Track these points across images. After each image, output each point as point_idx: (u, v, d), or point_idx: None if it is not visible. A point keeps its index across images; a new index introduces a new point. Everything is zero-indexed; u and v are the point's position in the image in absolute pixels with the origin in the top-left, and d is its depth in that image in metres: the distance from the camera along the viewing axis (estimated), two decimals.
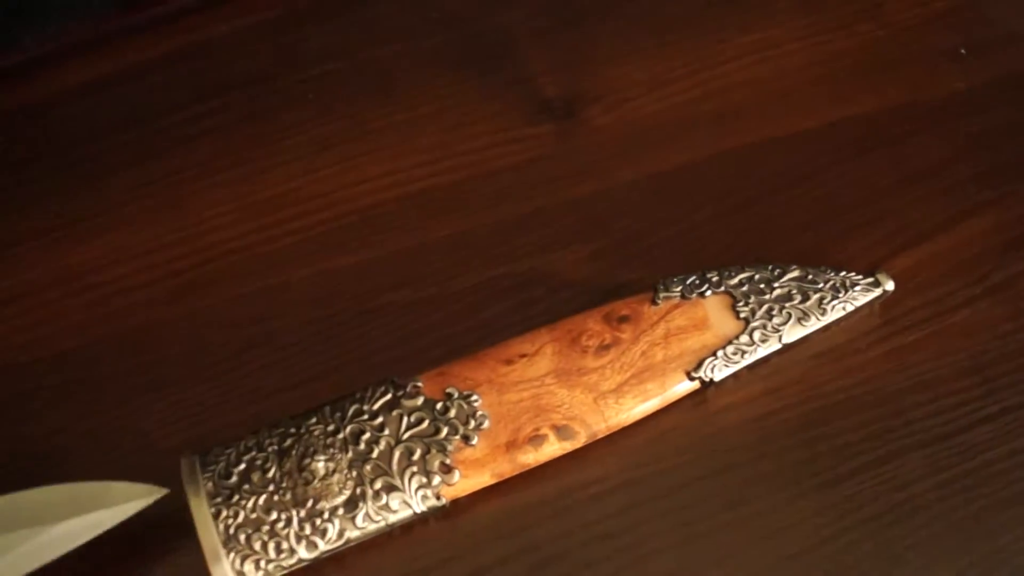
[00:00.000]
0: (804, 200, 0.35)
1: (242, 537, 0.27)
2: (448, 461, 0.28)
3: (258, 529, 0.27)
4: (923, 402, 0.31)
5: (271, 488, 0.28)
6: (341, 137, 0.37)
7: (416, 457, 0.28)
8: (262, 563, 0.27)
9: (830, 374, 0.31)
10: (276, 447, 0.28)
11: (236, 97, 0.39)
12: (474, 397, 0.29)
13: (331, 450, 0.28)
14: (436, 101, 0.38)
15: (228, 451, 0.28)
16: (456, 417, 0.29)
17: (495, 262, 0.34)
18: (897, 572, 0.28)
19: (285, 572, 0.27)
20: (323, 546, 0.27)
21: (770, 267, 0.31)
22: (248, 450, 0.28)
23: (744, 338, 0.30)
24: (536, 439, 0.29)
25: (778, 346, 0.30)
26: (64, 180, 0.37)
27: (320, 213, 0.36)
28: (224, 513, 0.27)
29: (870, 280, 0.31)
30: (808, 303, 0.31)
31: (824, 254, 0.33)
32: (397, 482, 0.28)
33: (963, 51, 0.38)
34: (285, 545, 0.27)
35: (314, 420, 0.29)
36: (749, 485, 0.30)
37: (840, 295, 0.31)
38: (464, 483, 0.28)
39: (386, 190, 0.36)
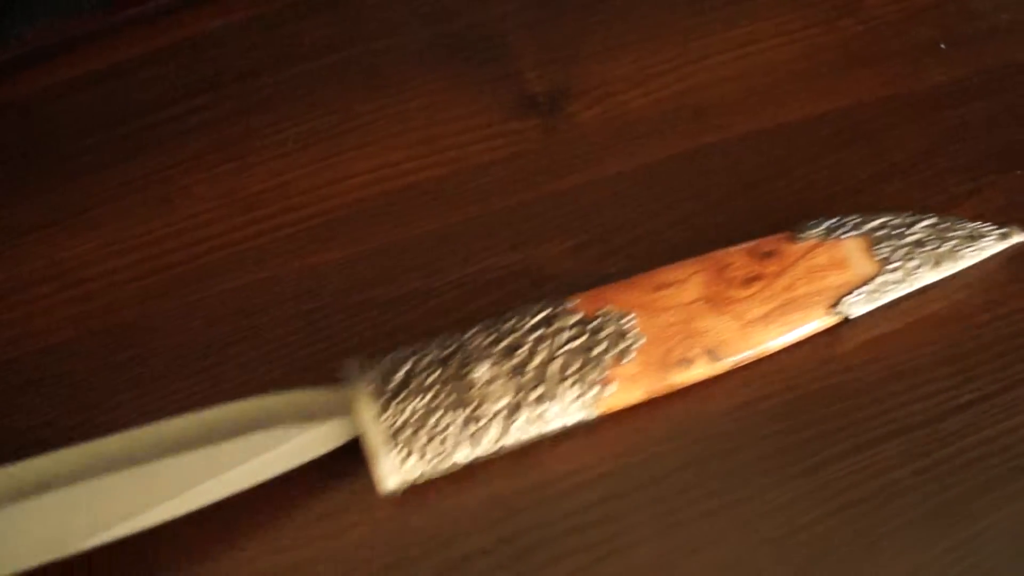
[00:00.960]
0: (785, 193, 0.35)
1: (405, 434, 0.28)
2: (603, 375, 0.29)
3: (420, 428, 0.28)
4: (900, 391, 0.31)
5: (433, 391, 0.29)
6: (329, 132, 0.38)
7: (573, 369, 0.29)
8: (423, 459, 0.28)
9: (807, 365, 0.32)
10: (437, 355, 0.29)
11: (226, 92, 0.39)
12: (628, 316, 0.30)
13: (491, 359, 0.29)
14: (423, 96, 0.38)
15: (390, 356, 0.30)
16: (611, 334, 0.30)
17: (480, 256, 0.34)
18: (874, 558, 0.29)
19: (442, 471, 0.29)
20: (480, 449, 0.29)
21: (906, 214, 0.32)
22: (409, 356, 0.29)
23: (881, 279, 0.31)
24: (686, 360, 0.30)
25: (912, 288, 0.32)
26: (54, 176, 0.37)
27: (308, 208, 0.36)
28: (389, 411, 0.28)
29: (1002, 231, 0.33)
30: (942, 249, 0.32)
31: None
32: (555, 392, 0.29)
33: (943, 45, 0.39)
34: (446, 445, 0.28)
35: (472, 333, 0.30)
36: (728, 474, 0.30)
37: (973, 244, 0.32)
38: (618, 397, 0.30)
39: (373, 184, 0.36)
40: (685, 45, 0.39)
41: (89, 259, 0.35)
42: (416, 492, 0.29)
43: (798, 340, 0.32)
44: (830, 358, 0.32)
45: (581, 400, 0.29)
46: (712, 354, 0.30)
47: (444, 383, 0.29)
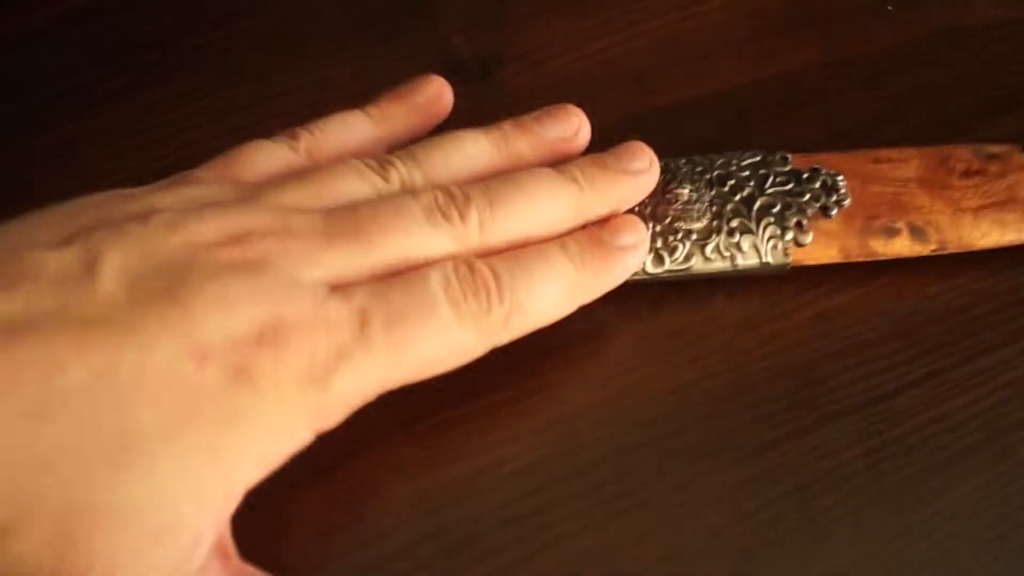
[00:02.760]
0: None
1: None
2: (804, 222, 0.30)
3: None
4: (850, 367, 0.30)
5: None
6: (245, 101, 0.35)
7: (775, 210, 0.30)
8: None
9: (752, 342, 0.30)
10: None
11: (132, 62, 0.36)
12: (840, 177, 0.31)
13: (697, 183, 0.30)
14: (346, 63, 0.36)
15: None
16: (819, 188, 0.30)
17: None
18: (823, 544, 0.27)
19: (636, 279, 0.29)
20: (668, 264, 0.29)
21: None
22: None
23: None
24: (890, 230, 0.30)
25: None
26: None
27: None
28: None
29: None
30: None
31: None
32: (753, 226, 0.30)
33: (890, 7, 0.38)
34: None
35: (684, 160, 0.31)
36: (668, 458, 0.28)
37: None
38: (813, 249, 0.30)
39: None
40: (620, 7, 0.37)
41: None
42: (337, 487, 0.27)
43: (1006, 244, 0.31)
44: (774, 334, 0.31)
45: (776, 242, 0.30)
46: (916, 231, 0.30)
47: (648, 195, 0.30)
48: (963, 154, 0.32)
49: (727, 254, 0.30)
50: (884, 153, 0.32)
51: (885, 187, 0.31)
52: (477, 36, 0.37)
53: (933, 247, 0.30)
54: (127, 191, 0.25)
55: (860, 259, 0.30)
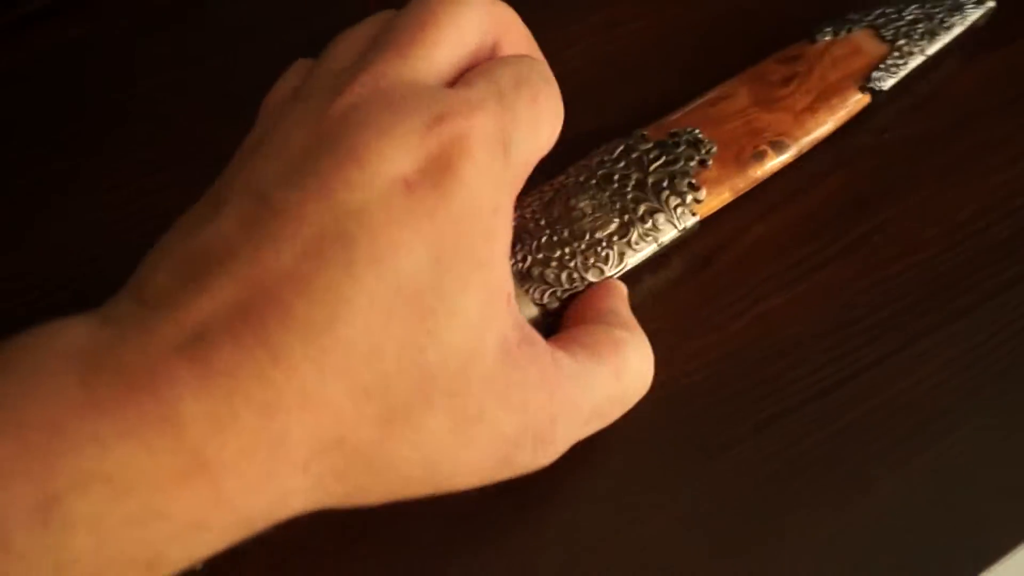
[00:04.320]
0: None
1: (535, 272, 0.30)
2: (693, 181, 0.32)
3: (548, 263, 0.31)
4: (793, 364, 0.31)
5: (547, 231, 0.31)
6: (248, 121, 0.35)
7: (665, 183, 0.32)
8: (557, 292, 0.30)
9: (697, 346, 0.32)
10: (538, 202, 0.32)
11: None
12: (696, 131, 0.33)
13: (590, 191, 0.32)
14: None
15: None
16: (687, 147, 0.33)
17: None
18: (792, 530, 0.29)
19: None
20: (608, 270, 0.31)
21: (896, 3, 0.38)
22: (515, 209, 0.30)
23: (895, 54, 0.36)
24: (758, 154, 0.33)
25: (922, 59, 0.36)
26: None
27: None
28: (513, 258, 0.30)
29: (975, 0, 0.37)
30: (933, 23, 0.37)
31: None
32: (657, 204, 0.32)
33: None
34: (575, 274, 0.31)
35: (562, 178, 0.33)
36: (629, 471, 0.29)
37: (957, 13, 0.37)
38: (710, 199, 0.33)
39: None
40: (549, 33, 0.37)
41: None
42: None
43: (843, 121, 0.35)
44: (716, 340, 0.32)
45: (681, 208, 0.32)
46: (777, 145, 0.34)
47: (554, 223, 0.31)
48: (773, 66, 0.36)
49: (649, 238, 0.31)
50: (712, 95, 0.35)
51: (734, 122, 0.34)
52: None
53: (794, 152, 0.34)
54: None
55: (746, 190, 0.33)
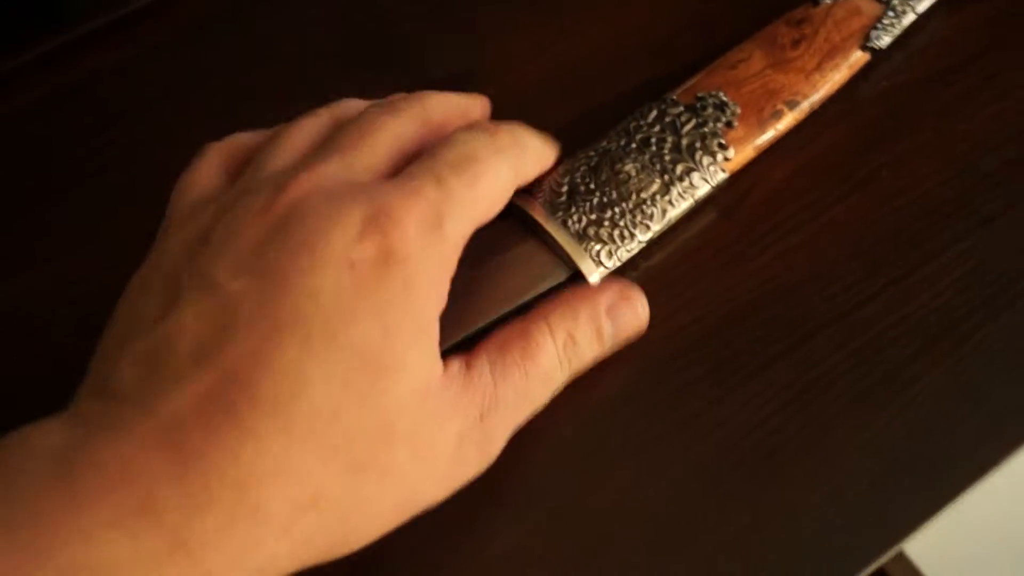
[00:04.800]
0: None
1: (591, 232, 0.33)
2: (722, 141, 0.35)
3: (601, 224, 0.33)
4: (817, 290, 0.35)
5: (597, 194, 0.34)
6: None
7: (698, 144, 0.35)
8: (612, 250, 0.33)
9: (733, 280, 0.35)
10: (585, 167, 0.35)
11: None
12: (720, 94, 0.37)
13: (632, 155, 0.35)
14: (332, 97, 0.39)
15: (547, 181, 0.34)
16: (714, 110, 0.36)
17: None
18: (827, 440, 0.32)
19: (629, 255, 0.34)
20: (654, 226, 0.34)
21: None
22: (564, 175, 0.35)
23: (890, 13, 0.39)
24: (776, 113, 0.37)
25: (913, 17, 0.39)
26: None
27: None
28: (570, 220, 0.33)
29: None
30: None
31: None
32: (692, 164, 0.35)
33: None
34: (626, 232, 0.33)
35: (605, 143, 0.36)
36: (676, 394, 0.33)
37: None
38: (738, 157, 0.36)
39: None
40: (569, 17, 0.42)
41: None
42: None
43: (850, 77, 0.38)
44: (748, 274, 0.35)
45: (713, 167, 0.35)
46: (792, 104, 0.37)
47: (602, 185, 0.34)
48: (783, 29, 0.39)
49: (687, 194, 0.34)
50: (731, 57, 0.38)
51: (752, 84, 0.37)
52: (445, 57, 0.41)
53: (808, 109, 0.37)
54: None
55: (768, 146, 0.37)
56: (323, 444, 0.24)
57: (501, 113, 0.38)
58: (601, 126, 0.36)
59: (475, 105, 0.33)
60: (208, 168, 0.30)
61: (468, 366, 0.28)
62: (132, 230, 0.31)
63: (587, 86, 0.40)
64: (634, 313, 0.32)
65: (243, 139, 0.32)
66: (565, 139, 0.35)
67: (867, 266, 0.35)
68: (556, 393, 0.31)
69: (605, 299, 0.31)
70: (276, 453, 0.23)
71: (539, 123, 0.38)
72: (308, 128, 0.30)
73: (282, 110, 0.38)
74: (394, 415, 0.25)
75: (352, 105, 0.32)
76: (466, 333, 0.30)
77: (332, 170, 0.27)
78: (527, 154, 0.32)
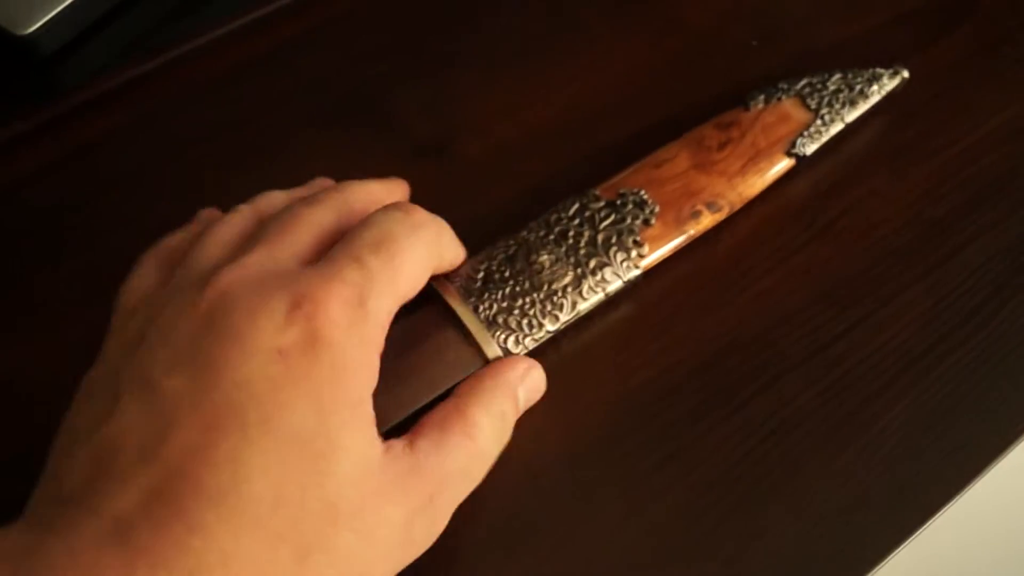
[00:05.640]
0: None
1: (500, 320, 0.34)
2: (638, 239, 0.37)
3: (511, 312, 0.35)
4: (786, 332, 0.37)
5: (511, 282, 0.35)
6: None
7: (614, 239, 0.36)
8: (519, 338, 0.34)
9: (708, 325, 0.37)
10: (503, 255, 0.36)
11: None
12: (642, 192, 0.38)
13: (549, 247, 0.36)
14: (320, 160, 0.42)
15: (466, 266, 0.36)
16: (634, 208, 0.37)
17: None
18: (801, 473, 0.34)
19: (536, 343, 0.35)
20: (563, 317, 0.35)
21: (822, 73, 0.42)
22: (481, 262, 0.36)
23: (818, 122, 0.40)
24: (695, 214, 0.38)
25: (842, 125, 0.41)
26: None
27: None
28: (481, 306, 0.34)
29: (892, 70, 0.42)
30: (854, 92, 0.41)
31: None
32: (606, 259, 0.36)
33: (755, 42, 0.46)
34: (534, 321, 0.35)
35: (525, 232, 0.37)
36: (664, 430, 0.35)
37: (874, 83, 0.41)
38: (652, 254, 0.37)
39: None
40: (541, 76, 0.44)
41: None
42: None
43: (770, 183, 0.40)
44: (721, 319, 0.38)
45: (627, 262, 0.36)
46: (711, 206, 0.38)
47: (517, 274, 0.35)
48: (710, 131, 0.40)
49: (598, 288, 0.36)
50: (658, 156, 0.39)
51: (674, 183, 0.38)
52: (428, 118, 0.43)
53: (727, 211, 0.39)
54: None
55: (684, 244, 0.38)
56: (269, 531, 0.25)
57: (485, 173, 0.41)
58: (572, 179, 0.39)
59: (396, 190, 0.35)
60: (145, 273, 0.31)
61: (412, 447, 0.29)
62: None
63: (562, 141, 0.42)
64: (538, 381, 0.33)
65: (174, 240, 0.32)
66: (545, 191, 0.38)
67: (832, 308, 0.38)
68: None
69: (518, 371, 0.32)
70: (223, 543, 0.24)
71: (519, 179, 0.41)
72: (234, 224, 0.31)
73: (270, 171, 0.41)
74: (336, 496, 0.26)
75: (275, 198, 0.33)
76: (392, 423, 0.31)
77: (256, 261, 0.28)
78: (443, 236, 0.33)
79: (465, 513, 0.30)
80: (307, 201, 0.31)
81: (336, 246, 0.29)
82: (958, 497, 0.34)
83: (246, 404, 0.25)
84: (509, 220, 0.38)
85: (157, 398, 0.26)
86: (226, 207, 0.39)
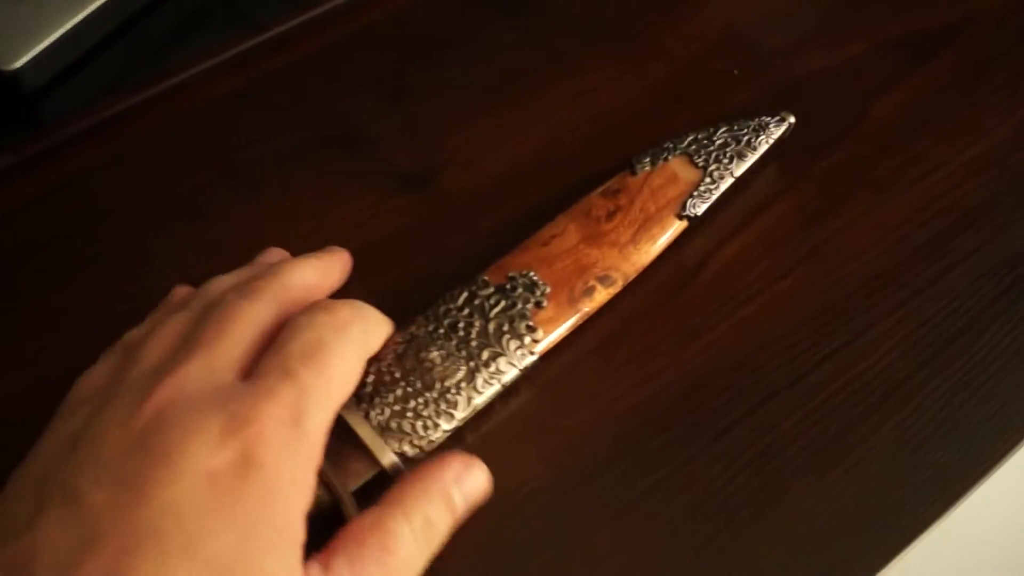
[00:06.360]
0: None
1: (394, 424, 0.33)
2: (531, 323, 0.35)
3: (404, 415, 0.33)
4: (770, 359, 0.37)
5: (402, 383, 0.33)
6: (215, 243, 0.40)
7: (506, 328, 0.35)
8: (415, 441, 0.33)
9: (692, 352, 0.37)
10: (393, 355, 0.34)
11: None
12: (531, 273, 0.36)
13: (439, 341, 0.34)
14: (305, 191, 0.42)
15: None
16: (524, 291, 0.36)
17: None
18: (783, 498, 0.34)
19: (433, 445, 0.33)
20: (458, 414, 0.33)
21: (708, 128, 0.41)
22: (371, 363, 0.34)
23: (707, 179, 0.39)
24: (588, 290, 0.36)
25: (732, 180, 0.39)
26: None
27: None
28: (373, 412, 0.33)
29: (778, 118, 0.41)
30: (741, 145, 0.40)
31: None
32: (499, 348, 0.34)
33: (736, 72, 0.46)
34: (429, 422, 0.33)
35: (414, 327, 0.35)
36: (654, 456, 0.35)
37: (761, 133, 0.40)
38: (546, 337, 0.35)
39: None
40: (525, 108, 0.45)
41: None
42: None
43: (662, 249, 0.38)
44: (707, 346, 0.38)
45: (521, 350, 0.35)
46: (605, 280, 0.37)
47: (407, 374, 0.34)
48: (598, 201, 0.39)
49: (493, 380, 0.34)
50: (545, 233, 0.38)
51: (565, 260, 0.37)
52: (413, 151, 0.43)
53: (621, 283, 0.37)
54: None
55: (580, 322, 0.36)
56: None
57: (468, 206, 0.41)
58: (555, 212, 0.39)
59: (334, 266, 0.35)
60: (101, 367, 0.31)
61: (327, 568, 0.28)
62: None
63: (544, 173, 0.43)
64: (478, 480, 0.32)
65: (133, 336, 0.32)
66: (531, 227, 0.38)
67: (815, 334, 0.38)
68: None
69: (451, 472, 0.31)
70: None
71: (501, 213, 0.41)
72: (179, 322, 0.31)
73: (255, 204, 0.41)
74: None
75: (217, 287, 0.33)
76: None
77: (193, 372, 0.28)
78: (369, 326, 0.32)
79: (449, 544, 0.30)
80: (245, 294, 0.31)
81: (266, 357, 0.29)
82: (941, 520, 0.34)
83: (168, 528, 0.25)
84: (488, 252, 0.38)
85: (80, 513, 0.25)
86: (212, 242, 0.40)
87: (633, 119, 0.44)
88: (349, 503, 0.31)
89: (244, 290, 0.31)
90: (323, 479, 0.31)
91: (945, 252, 0.40)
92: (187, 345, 0.29)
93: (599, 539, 0.33)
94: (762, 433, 0.35)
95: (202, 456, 0.26)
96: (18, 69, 0.44)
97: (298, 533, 0.27)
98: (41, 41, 0.45)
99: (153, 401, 0.27)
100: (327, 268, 0.34)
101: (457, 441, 0.34)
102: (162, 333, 0.30)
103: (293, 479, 0.27)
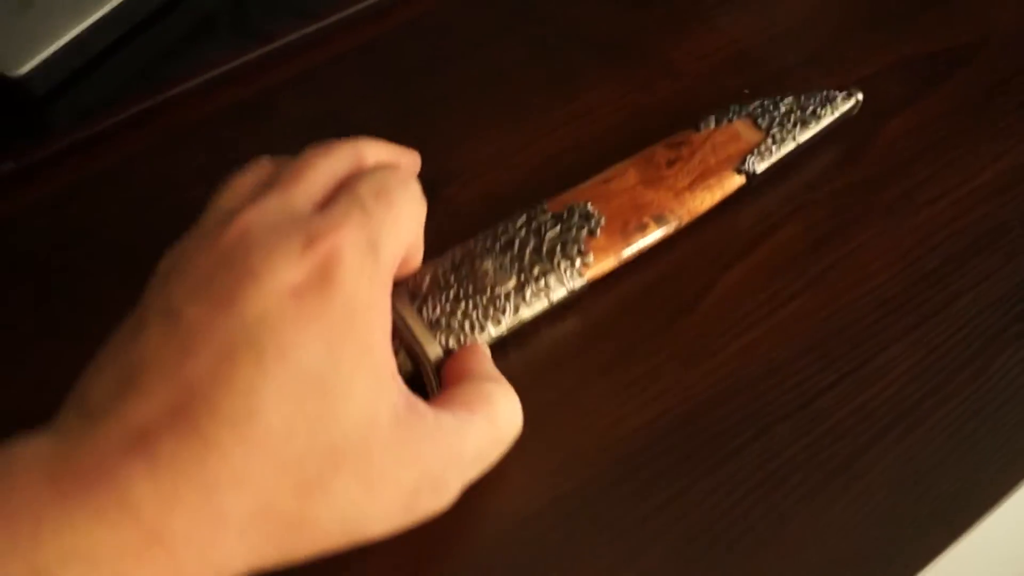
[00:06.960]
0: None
1: (443, 321, 0.35)
2: (583, 248, 0.37)
3: (454, 314, 0.35)
4: (776, 383, 0.37)
5: (455, 287, 0.36)
6: None
7: (559, 249, 0.37)
8: (462, 339, 0.35)
9: (696, 376, 0.37)
10: (449, 263, 0.36)
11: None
12: (588, 204, 0.38)
13: (494, 254, 0.37)
14: None
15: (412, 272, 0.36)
16: (580, 219, 0.38)
17: None
18: (788, 526, 0.33)
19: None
20: (506, 321, 0.35)
21: (776, 97, 0.42)
22: (428, 268, 0.36)
23: (768, 140, 0.41)
24: (641, 226, 0.38)
25: (793, 145, 0.41)
26: None
27: None
28: (425, 308, 0.35)
29: (845, 93, 0.43)
30: (806, 113, 0.42)
31: None
32: (549, 266, 0.36)
33: (747, 91, 0.46)
34: (476, 323, 0.35)
35: (471, 242, 0.37)
36: (654, 480, 0.34)
37: (828, 105, 0.42)
38: (597, 264, 0.37)
39: None
40: (532, 122, 0.44)
41: None
42: None
43: (719, 201, 0.40)
44: (713, 370, 0.37)
45: (571, 271, 0.37)
46: (659, 219, 0.39)
47: (461, 280, 0.36)
48: (661, 150, 0.41)
49: (541, 295, 0.36)
50: (607, 174, 0.40)
51: (622, 197, 0.39)
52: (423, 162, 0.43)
53: (675, 224, 0.39)
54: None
55: (632, 257, 0.38)
56: (277, 461, 0.26)
57: (474, 219, 0.41)
58: None
59: (405, 154, 0.36)
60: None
61: (436, 416, 0.30)
62: None
63: (552, 188, 0.42)
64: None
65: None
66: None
67: (822, 359, 0.37)
68: None
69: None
70: (236, 464, 0.25)
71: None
72: (253, 172, 0.32)
73: None
74: (341, 440, 0.27)
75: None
76: None
77: (273, 204, 0.29)
78: (424, 199, 0.34)
79: (454, 560, 0.30)
80: (322, 150, 0.33)
81: (339, 193, 0.31)
82: (946, 551, 0.33)
83: (262, 338, 0.26)
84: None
85: (178, 324, 0.27)
86: None
87: (640, 136, 0.44)
88: (431, 373, 0.34)
89: (322, 147, 0.33)
90: (408, 348, 0.34)
91: (955, 278, 0.40)
92: (265, 187, 0.31)
93: (599, 562, 0.33)
94: (767, 459, 0.35)
95: (285, 272, 0.27)
96: (24, 75, 0.44)
97: (384, 357, 0.29)
98: (47, 48, 0.44)
99: (236, 226, 0.28)
100: (400, 152, 0.35)
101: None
102: (242, 181, 0.32)
103: (370, 301, 0.28)
